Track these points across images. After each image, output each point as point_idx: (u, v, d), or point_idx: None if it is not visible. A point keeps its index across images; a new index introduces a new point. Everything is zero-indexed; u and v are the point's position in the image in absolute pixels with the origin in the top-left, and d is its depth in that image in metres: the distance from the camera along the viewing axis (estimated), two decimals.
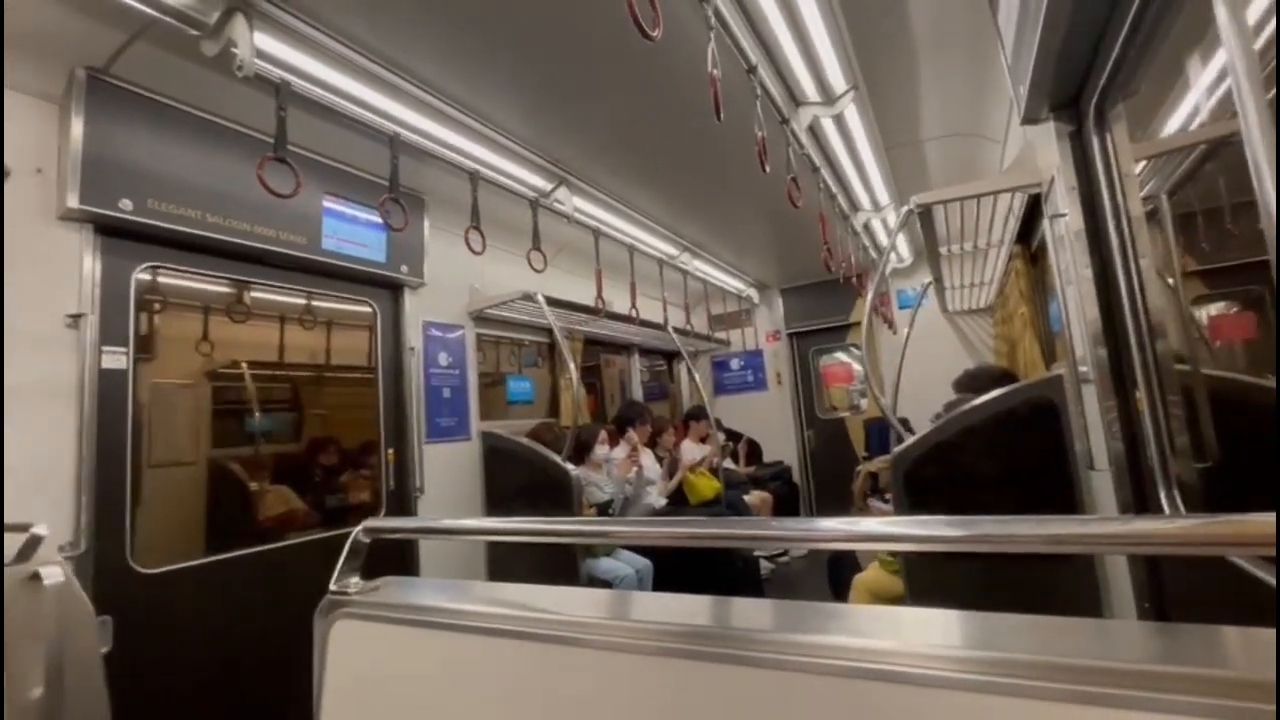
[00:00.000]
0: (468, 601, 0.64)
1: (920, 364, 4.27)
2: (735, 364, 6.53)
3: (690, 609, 0.55)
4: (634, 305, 4.02)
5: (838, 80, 2.38)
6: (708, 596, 0.58)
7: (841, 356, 6.34)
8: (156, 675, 2.04)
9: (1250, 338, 1.53)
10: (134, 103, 2.05)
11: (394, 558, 2.82)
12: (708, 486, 4.30)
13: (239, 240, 2.32)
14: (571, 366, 3.29)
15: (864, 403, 6.15)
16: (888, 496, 2.83)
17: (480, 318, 3.52)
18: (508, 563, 3.03)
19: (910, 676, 0.39)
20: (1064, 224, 1.77)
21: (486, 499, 3.25)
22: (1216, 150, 1.47)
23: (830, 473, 6.04)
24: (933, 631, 0.43)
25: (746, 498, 4.69)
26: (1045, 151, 1.90)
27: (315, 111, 2.17)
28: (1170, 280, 1.62)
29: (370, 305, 2.97)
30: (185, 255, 2.28)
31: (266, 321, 2.75)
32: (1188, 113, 1.54)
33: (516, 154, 2.82)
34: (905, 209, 2.27)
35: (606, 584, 3.04)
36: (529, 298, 3.24)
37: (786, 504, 5.53)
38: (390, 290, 3.06)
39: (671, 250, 4.48)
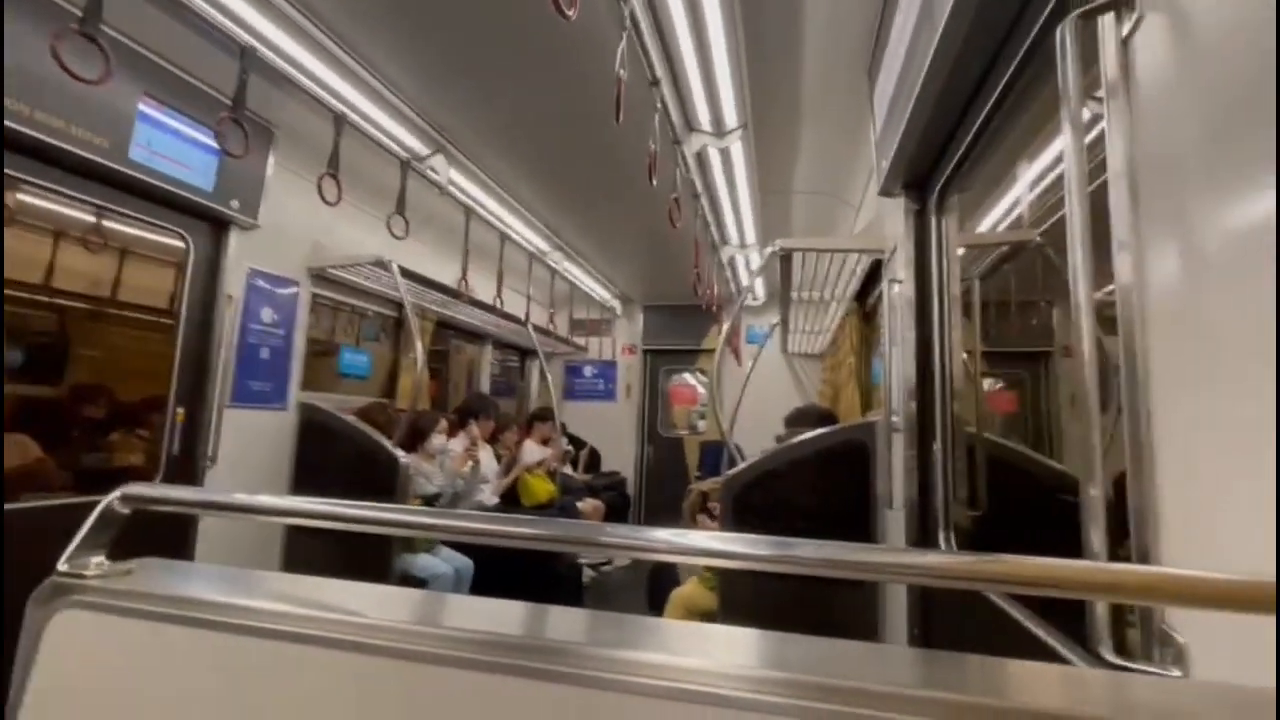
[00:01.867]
0: (248, 595, 0.53)
1: (758, 396, 4.58)
2: (589, 371, 6.55)
3: (505, 616, 0.52)
4: (499, 295, 3.87)
5: (731, 116, 2.49)
6: (524, 603, 0.56)
7: (690, 379, 6.63)
8: None
9: (1012, 411, 1.84)
10: None
11: (166, 543, 2.39)
12: (543, 489, 4.23)
13: (13, 125, 1.84)
14: (418, 346, 3.06)
15: (702, 425, 6.47)
16: (715, 515, 2.97)
17: (321, 276, 3.16)
18: (309, 554, 2.70)
19: (715, 697, 0.40)
20: (900, 290, 2.00)
21: (295, 479, 2.88)
22: (1013, 254, 1.75)
23: (663, 488, 6.25)
24: (737, 651, 0.45)
25: (580, 504, 4.69)
26: (892, 223, 2.14)
27: None
28: (968, 354, 1.89)
29: (183, 238, 2.53)
30: None
31: (35, 233, 2.21)
32: (997, 218, 1.82)
33: (395, 108, 2.58)
34: (770, 249, 2.42)
35: (421, 582, 2.84)
36: (382, 265, 2.97)
37: (618, 514, 5.63)
38: (212, 225, 2.63)
39: (545, 246, 4.39)
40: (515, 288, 4.52)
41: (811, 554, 0.45)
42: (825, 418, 3.12)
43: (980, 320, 1.99)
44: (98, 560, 0.56)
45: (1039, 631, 0.98)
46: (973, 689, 0.39)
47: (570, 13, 1.25)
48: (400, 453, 2.72)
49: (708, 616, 2.60)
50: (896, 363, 2.00)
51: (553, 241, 4.34)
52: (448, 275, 3.54)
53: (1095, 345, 0.69)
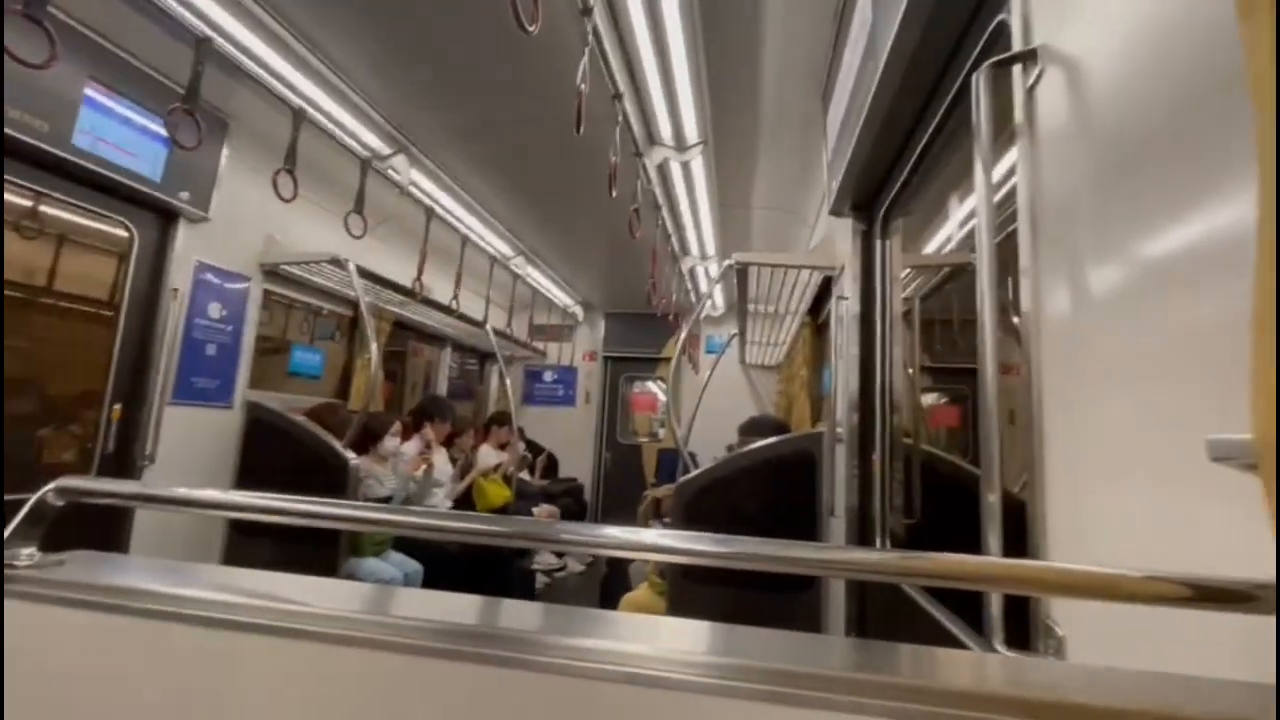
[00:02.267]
0: (190, 585, 0.54)
1: (715, 405, 4.66)
2: (549, 376, 6.54)
3: (456, 607, 0.53)
4: (455, 297, 3.84)
5: (692, 131, 2.56)
6: (475, 595, 0.57)
7: (650, 386, 6.68)
8: None
9: (953, 426, 1.95)
10: None
11: (95, 545, 2.29)
12: (498, 494, 4.20)
13: None
14: (374, 347, 3.02)
15: (663, 432, 6.53)
16: (667, 521, 3.01)
17: (273, 273, 3.09)
18: (251, 558, 2.62)
19: (662, 680, 0.42)
20: (846, 306, 2.09)
21: (238, 480, 2.80)
22: (953, 275, 1.86)
23: (620, 495, 6.27)
24: (684, 639, 0.48)
25: (535, 510, 4.67)
26: (842, 241, 2.23)
27: None
28: (910, 369, 1.99)
29: (127, 228, 2.45)
30: None
31: None
32: (940, 243, 1.93)
33: (357, 106, 2.56)
34: (727, 263, 2.49)
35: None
36: (338, 263, 2.93)
37: (574, 519, 5.62)
38: (159, 216, 2.55)
39: (507, 251, 4.39)
40: (476, 290, 4.49)
41: (753, 550, 0.49)
42: (778, 427, 3.20)
43: (924, 337, 2.10)
44: (28, 552, 0.57)
45: (952, 627, 1.05)
46: (894, 671, 0.43)
47: (532, 28, 1.29)
48: (350, 454, 2.68)
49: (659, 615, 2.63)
50: (842, 376, 2.09)
51: (515, 245, 4.34)
52: (406, 275, 3.50)
53: (996, 364, 0.76)
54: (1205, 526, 0.48)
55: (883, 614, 1.73)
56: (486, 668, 0.45)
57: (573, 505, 5.63)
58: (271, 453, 2.78)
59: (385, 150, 2.86)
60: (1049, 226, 0.74)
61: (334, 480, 2.62)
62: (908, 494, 1.85)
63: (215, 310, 2.77)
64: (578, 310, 6.29)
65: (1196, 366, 0.49)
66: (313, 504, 0.56)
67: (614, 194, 2.01)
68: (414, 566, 3.12)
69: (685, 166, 2.81)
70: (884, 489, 1.86)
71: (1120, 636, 0.58)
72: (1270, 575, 0.37)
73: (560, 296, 5.78)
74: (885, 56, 1.26)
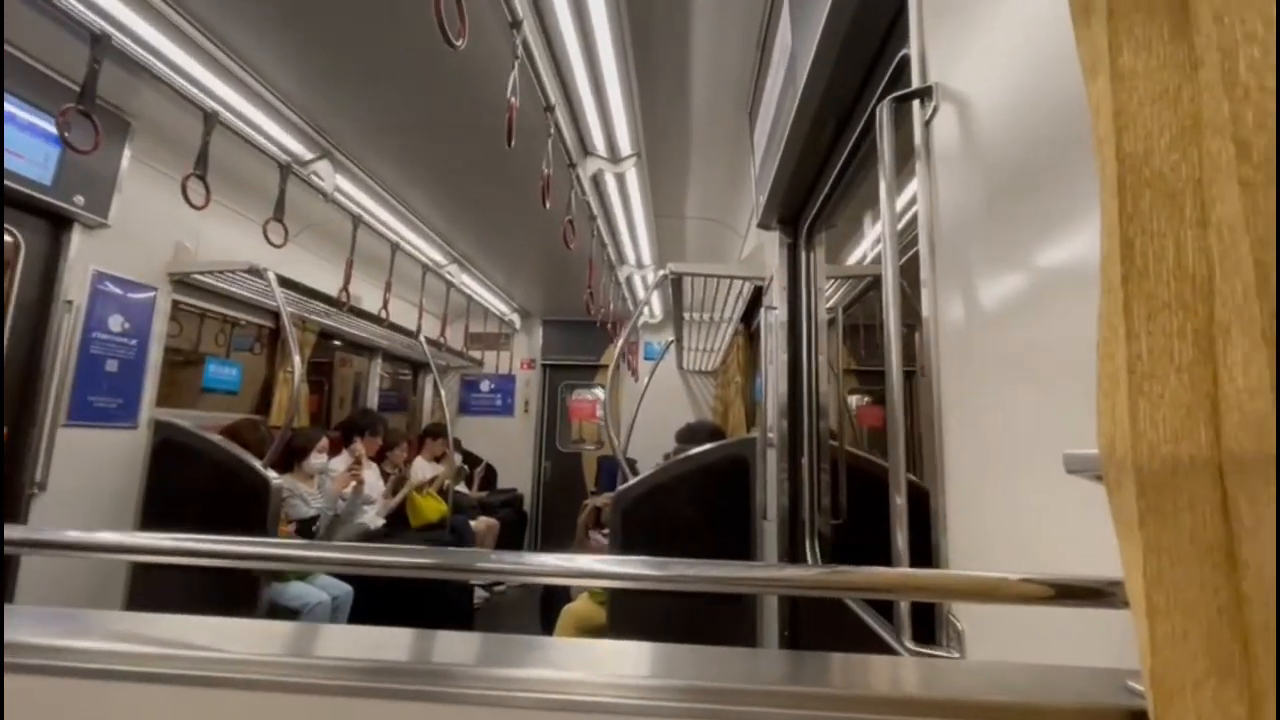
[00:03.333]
0: (83, 635, 0.51)
1: (655, 411, 4.71)
2: (486, 386, 6.42)
3: (381, 642, 0.51)
4: (385, 306, 3.72)
5: (625, 143, 2.59)
6: (402, 629, 0.56)
7: (590, 394, 6.67)
8: None
9: (877, 426, 2.05)
10: None
11: None
12: (433, 509, 4.08)
13: None
14: (296, 360, 2.88)
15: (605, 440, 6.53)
16: (606, 530, 3.02)
17: (184, 282, 2.90)
18: (159, 592, 2.44)
19: (600, 705, 0.43)
20: (774, 315, 2.16)
21: (145, 507, 2.61)
22: (875, 284, 1.97)
23: (561, 505, 6.22)
24: (622, 662, 0.48)
25: (473, 523, 4.57)
26: (770, 253, 2.32)
27: None
28: (836, 373, 2.08)
29: (12, 234, 2.24)
30: None
31: None
32: (861, 254, 2.04)
33: (275, 109, 2.44)
34: (661, 273, 2.53)
35: (293, 613, 2.65)
36: (256, 272, 2.78)
37: (514, 531, 5.52)
38: (49, 222, 2.35)
39: (439, 258, 4.29)
40: (408, 299, 4.36)
41: (688, 573, 0.51)
42: (715, 433, 3.27)
43: (851, 342, 2.21)
44: None
45: (873, 624, 1.11)
46: (822, 681, 0.46)
47: (459, 43, 1.28)
48: (272, 473, 2.54)
49: (599, 631, 2.63)
50: (771, 383, 2.16)
51: (448, 253, 4.25)
52: (334, 284, 3.36)
53: (901, 371, 0.82)
54: (1074, 528, 0.54)
55: (813, 616, 1.80)
56: (419, 704, 0.44)
57: (512, 516, 5.53)
58: (183, 475, 2.60)
59: (307, 155, 2.75)
60: (944, 245, 0.81)
61: (254, 501, 2.47)
62: (834, 495, 1.94)
63: (116, 323, 2.57)
64: (515, 318, 6.21)
65: (1067, 375, 0.55)
66: (223, 543, 0.54)
67: (548, 205, 2.01)
68: (344, 589, 2.99)
69: (620, 178, 2.84)
70: (812, 491, 1.94)
71: (1007, 628, 0.64)
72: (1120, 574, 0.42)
73: (496, 304, 5.69)
74: (803, 81, 1.32)
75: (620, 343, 2.91)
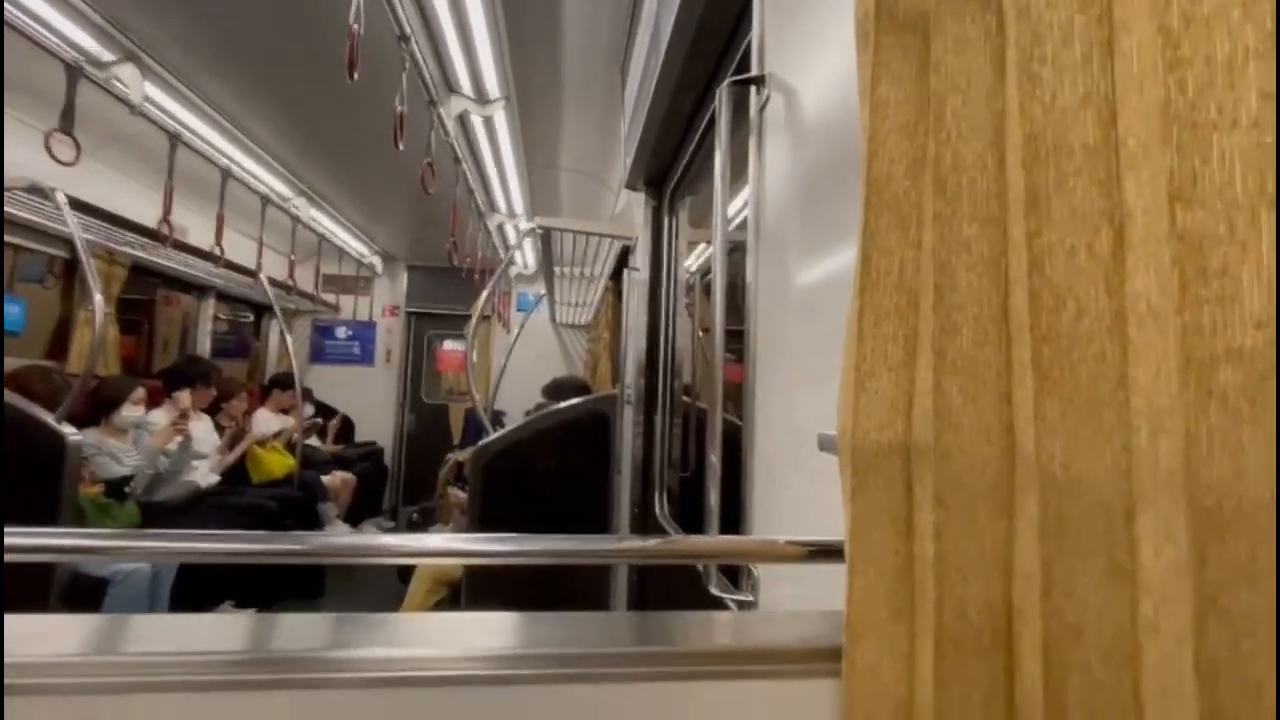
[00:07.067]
0: None
1: (526, 364, 4.66)
2: (342, 333, 5.96)
3: (216, 631, 0.47)
4: (219, 242, 3.30)
5: (493, 85, 2.46)
6: (239, 614, 0.52)
7: (461, 345, 6.43)
8: None
9: (739, 383, 2.20)
10: None
11: None
12: (278, 463, 3.80)
13: None
14: (98, 298, 2.48)
15: (478, 394, 6.37)
16: (466, 485, 2.99)
17: None
18: None
19: (449, 679, 0.43)
20: (637, 275, 2.21)
21: None
22: (735, 249, 2.08)
23: (425, 458, 6.01)
24: (460, 635, 0.49)
25: (326, 478, 4.31)
26: (637, 214, 2.34)
27: None
28: (701, 333, 2.18)
29: None
30: None
31: None
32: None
33: None
34: (528, 226, 2.48)
35: (99, 583, 2.37)
36: (40, 192, 2.34)
37: (373, 486, 5.30)
38: None
39: (284, 190, 3.85)
40: (247, 233, 3.90)
41: (536, 547, 0.52)
42: (581, 389, 3.32)
43: (715, 303, 2.30)
44: None
45: (704, 579, 1.22)
46: (661, 640, 0.50)
47: None
48: (69, 429, 2.21)
49: (456, 585, 2.64)
50: (632, 340, 2.22)
51: (294, 186, 3.83)
52: (152, 213, 2.91)
53: (721, 358, 0.89)
54: (834, 498, 0.63)
55: (660, 579, 1.95)
56: (261, 693, 0.41)
57: (372, 470, 5.30)
58: None
59: (105, 56, 2.31)
60: (766, 236, 0.87)
61: (46, 461, 2.15)
62: (684, 449, 2.06)
63: None
64: (376, 261, 5.78)
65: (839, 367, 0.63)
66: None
67: (400, 145, 1.87)
68: None
69: (488, 121, 2.70)
70: (663, 445, 2.05)
71: (789, 573, 0.74)
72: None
73: (355, 245, 5.26)
74: (664, 48, 1.33)
75: (486, 293, 2.83)
